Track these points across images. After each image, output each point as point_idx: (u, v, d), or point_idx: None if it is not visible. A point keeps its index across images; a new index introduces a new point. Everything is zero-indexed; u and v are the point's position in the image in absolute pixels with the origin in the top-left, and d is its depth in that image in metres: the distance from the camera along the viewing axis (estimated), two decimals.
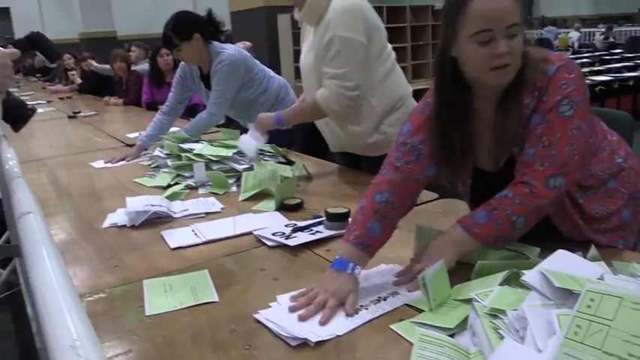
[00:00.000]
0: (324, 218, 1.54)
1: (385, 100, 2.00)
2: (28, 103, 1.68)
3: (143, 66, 5.17)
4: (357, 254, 1.18)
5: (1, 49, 1.35)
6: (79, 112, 4.47)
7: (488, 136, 1.26)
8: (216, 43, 2.68)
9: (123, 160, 2.60)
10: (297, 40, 7.69)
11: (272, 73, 2.92)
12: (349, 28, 1.86)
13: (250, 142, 2.14)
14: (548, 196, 1.14)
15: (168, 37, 2.61)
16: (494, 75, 1.15)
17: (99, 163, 2.53)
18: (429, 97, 1.31)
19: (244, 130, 2.82)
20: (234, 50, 2.70)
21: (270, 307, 1.12)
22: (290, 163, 2.17)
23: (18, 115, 1.63)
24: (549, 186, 1.13)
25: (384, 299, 1.12)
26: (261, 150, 2.24)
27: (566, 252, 1.05)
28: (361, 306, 1.10)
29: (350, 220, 1.30)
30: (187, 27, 2.60)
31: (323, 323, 1.04)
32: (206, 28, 2.65)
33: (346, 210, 1.53)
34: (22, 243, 0.76)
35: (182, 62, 2.83)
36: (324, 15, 1.92)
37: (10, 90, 1.50)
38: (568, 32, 16.49)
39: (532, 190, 1.14)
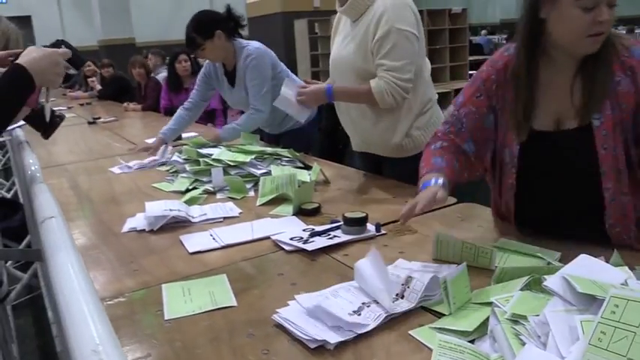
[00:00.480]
0: (341, 223, 1.53)
1: (420, 98, 2.02)
2: (55, 110, 1.72)
3: (163, 74, 5.23)
4: (434, 174, 1.31)
5: (54, 48, 1.39)
6: (98, 118, 4.52)
7: (552, 98, 1.29)
8: (240, 40, 2.72)
9: (146, 151, 2.71)
10: (314, 45, 7.72)
11: (294, 76, 2.94)
12: (405, 21, 1.89)
13: (290, 97, 2.10)
14: None
15: (192, 38, 2.64)
16: (589, 42, 1.18)
17: (121, 167, 2.54)
18: (483, 71, 1.40)
19: (264, 134, 2.83)
20: (257, 44, 2.74)
21: (288, 305, 1.11)
22: (307, 167, 2.17)
23: (48, 123, 1.67)
24: None
25: (402, 297, 1.11)
26: (278, 154, 2.25)
27: (589, 257, 1.04)
28: (377, 303, 1.09)
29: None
30: (209, 25, 2.64)
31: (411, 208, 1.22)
32: (227, 24, 2.69)
33: (364, 214, 1.52)
34: (44, 247, 0.77)
35: (207, 61, 2.87)
36: (368, 8, 1.93)
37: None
38: None
39: None
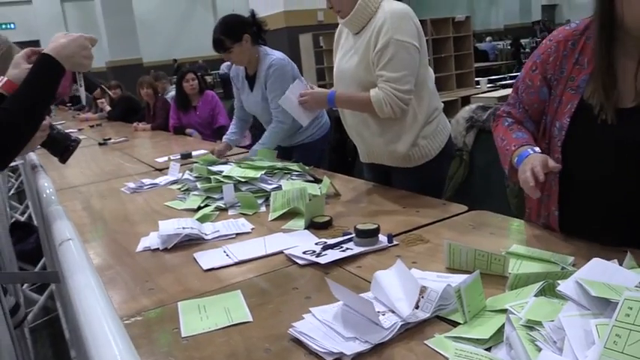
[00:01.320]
0: (353, 235, 1.54)
1: (425, 108, 2.03)
2: (71, 135, 1.76)
3: (171, 93, 5.30)
4: (527, 146, 1.36)
5: (79, 35, 1.44)
6: (109, 139, 4.57)
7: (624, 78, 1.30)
8: (264, 47, 2.77)
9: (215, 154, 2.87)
10: (319, 58, 7.77)
11: (305, 81, 2.99)
12: (405, 32, 1.90)
13: (294, 98, 2.14)
14: None
15: (220, 41, 2.69)
16: None
17: (133, 187, 2.56)
18: (543, 44, 1.45)
19: (277, 147, 2.86)
20: (281, 55, 2.79)
21: (303, 318, 1.12)
22: (318, 181, 2.18)
23: (64, 148, 1.70)
24: None
25: (417, 307, 1.11)
26: (288, 168, 2.27)
27: (602, 260, 1.04)
28: (393, 312, 1.09)
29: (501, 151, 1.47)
30: (237, 28, 2.69)
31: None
32: (252, 28, 2.73)
33: (376, 226, 1.53)
34: (62, 269, 0.78)
35: (232, 67, 2.96)
36: (370, 20, 1.96)
37: (54, 123, 1.58)
38: None
39: None
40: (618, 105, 1.30)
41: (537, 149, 1.35)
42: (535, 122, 1.49)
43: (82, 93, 1.63)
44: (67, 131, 1.80)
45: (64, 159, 1.73)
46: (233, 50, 2.71)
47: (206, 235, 1.74)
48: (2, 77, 1.36)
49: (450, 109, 6.36)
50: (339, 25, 2.12)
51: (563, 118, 1.37)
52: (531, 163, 1.28)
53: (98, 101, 6.88)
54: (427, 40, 7.20)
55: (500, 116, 1.55)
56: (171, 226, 1.73)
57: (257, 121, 3.13)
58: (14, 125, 1.27)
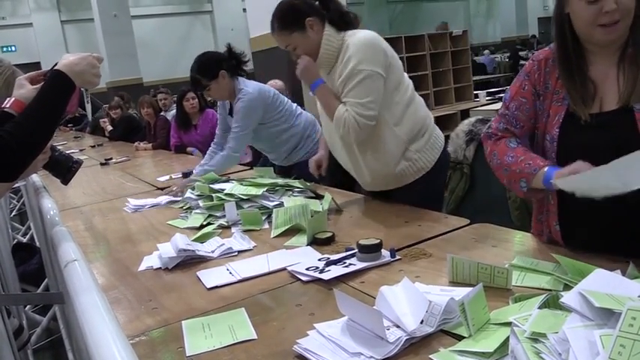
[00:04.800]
0: (356, 250, 1.54)
1: (409, 127, 2.02)
2: (73, 156, 1.77)
3: (173, 112, 5.32)
4: (549, 164, 1.38)
5: (87, 54, 1.47)
6: (110, 159, 4.58)
7: (605, 83, 1.32)
8: (241, 79, 2.78)
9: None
10: None
11: (300, 110, 2.99)
12: (369, 60, 1.90)
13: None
14: None
15: (196, 80, 2.71)
16: (600, 32, 1.23)
17: (135, 207, 2.57)
18: (527, 64, 1.48)
19: (275, 167, 2.87)
20: (254, 88, 2.78)
21: (307, 334, 1.12)
22: (319, 197, 2.19)
23: (66, 169, 1.72)
24: None
25: (421, 322, 1.11)
26: (289, 185, 2.27)
27: (604, 271, 1.04)
28: (399, 327, 1.09)
29: (516, 167, 1.45)
30: (212, 66, 2.71)
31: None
32: (229, 62, 2.74)
33: (378, 241, 1.53)
34: (68, 290, 0.79)
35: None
36: (338, 56, 1.97)
37: (55, 145, 1.60)
38: None
39: None
40: (603, 109, 1.33)
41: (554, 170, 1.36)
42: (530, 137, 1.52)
43: (89, 109, 1.67)
44: (68, 152, 1.82)
45: (66, 180, 1.74)
46: (211, 87, 2.74)
47: (207, 252, 1.74)
48: (10, 98, 1.39)
49: (449, 122, 6.38)
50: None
51: (553, 129, 1.41)
52: (577, 166, 1.28)
53: (101, 121, 6.91)
54: (425, 56, 7.30)
55: (497, 135, 1.54)
56: (169, 249, 1.73)
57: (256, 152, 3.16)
58: (26, 137, 1.29)
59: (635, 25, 1.26)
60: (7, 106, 1.37)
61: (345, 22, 2.02)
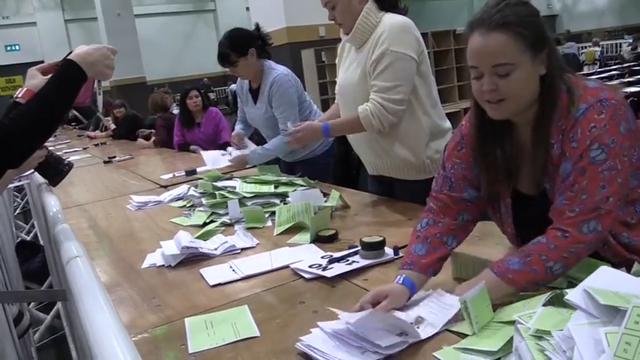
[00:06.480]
0: (359, 248, 1.54)
1: (433, 121, 2.03)
2: (64, 158, 1.76)
3: (176, 110, 5.33)
4: (406, 272, 1.22)
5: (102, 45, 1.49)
6: (114, 157, 4.59)
7: (527, 159, 1.26)
8: (270, 62, 2.79)
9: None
10: (322, 73, 7.79)
11: (316, 108, 3.00)
12: (402, 43, 1.91)
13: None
14: (583, 240, 1.09)
15: (226, 55, 2.71)
16: (489, 108, 1.19)
17: (138, 204, 2.57)
18: (463, 125, 1.35)
19: (280, 163, 2.87)
20: (285, 70, 2.82)
21: (310, 332, 1.12)
22: (324, 195, 2.18)
23: (55, 171, 1.71)
24: (583, 231, 1.09)
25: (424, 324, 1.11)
26: (293, 183, 2.27)
27: (610, 268, 1.03)
28: (402, 333, 1.09)
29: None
30: (243, 42, 2.72)
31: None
32: (257, 42, 2.75)
33: (381, 239, 1.53)
34: (70, 287, 0.79)
35: (238, 79, 2.98)
36: (371, 34, 1.97)
37: (48, 147, 1.59)
38: (586, 46, 16.35)
39: (565, 235, 1.09)
40: (521, 190, 1.28)
41: (405, 280, 1.20)
42: (476, 188, 1.33)
43: (100, 101, 1.66)
44: (68, 151, 1.82)
45: (54, 182, 1.74)
46: (239, 64, 2.73)
47: (210, 250, 1.74)
48: (22, 87, 1.39)
49: (452, 120, 6.34)
50: (342, 40, 2.14)
51: (506, 197, 1.32)
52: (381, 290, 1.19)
53: (105, 119, 6.93)
54: (428, 53, 7.26)
55: (430, 198, 1.37)
56: (172, 246, 1.73)
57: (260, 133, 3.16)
58: (31, 124, 1.29)
59: (541, 105, 1.18)
60: (19, 95, 1.38)
61: (390, 3, 2.01)
